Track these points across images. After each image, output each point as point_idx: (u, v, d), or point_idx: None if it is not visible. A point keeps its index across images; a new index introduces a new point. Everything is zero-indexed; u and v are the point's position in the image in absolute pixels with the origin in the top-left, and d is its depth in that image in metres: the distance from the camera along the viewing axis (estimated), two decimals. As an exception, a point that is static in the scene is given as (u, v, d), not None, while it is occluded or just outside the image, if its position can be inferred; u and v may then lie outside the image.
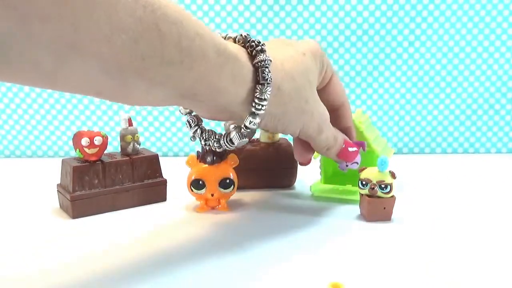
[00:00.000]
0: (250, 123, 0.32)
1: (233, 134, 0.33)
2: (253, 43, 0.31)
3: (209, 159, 0.41)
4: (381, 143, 0.48)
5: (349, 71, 0.66)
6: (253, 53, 0.31)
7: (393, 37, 0.65)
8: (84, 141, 0.40)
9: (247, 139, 0.33)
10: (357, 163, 0.41)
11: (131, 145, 0.44)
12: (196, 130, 0.34)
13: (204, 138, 0.34)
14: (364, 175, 0.39)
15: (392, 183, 0.38)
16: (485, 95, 0.66)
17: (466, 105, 0.66)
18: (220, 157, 0.41)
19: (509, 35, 0.64)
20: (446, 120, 0.67)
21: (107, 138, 0.41)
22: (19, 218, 0.41)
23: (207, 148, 0.36)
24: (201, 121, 0.35)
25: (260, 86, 0.31)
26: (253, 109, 0.31)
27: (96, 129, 0.42)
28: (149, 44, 0.24)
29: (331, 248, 0.34)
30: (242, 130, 0.32)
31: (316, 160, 0.48)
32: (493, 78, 0.65)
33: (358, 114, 0.46)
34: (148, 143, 0.69)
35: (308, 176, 0.50)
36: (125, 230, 0.38)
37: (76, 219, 0.40)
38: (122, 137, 0.44)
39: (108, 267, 0.31)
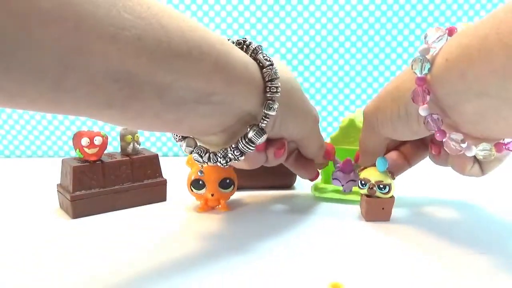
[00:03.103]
0: (270, 109, 0.31)
1: (251, 134, 0.31)
2: (240, 41, 0.32)
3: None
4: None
5: (349, 71, 0.67)
6: (244, 49, 0.31)
7: (393, 37, 0.65)
8: (84, 141, 0.40)
9: (266, 135, 0.32)
10: (354, 180, 0.43)
11: (131, 145, 0.44)
12: (209, 156, 0.34)
13: (221, 156, 0.33)
14: (363, 175, 0.39)
15: (391, 183, 0.38)
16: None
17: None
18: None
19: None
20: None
21: (107, 138, 0.41)
22: (19, 218, 0.41)
23: (228, 165, 0.34)
24: (208, 149, 0.34)
25: (266, 69, 0.31)
26: (268, 94, 0.31)
27: (96, 129, 0.42)
28: (154, 39, 0.24)
29: (331, 248, 0.34)
30: (261, 123, 0.31)
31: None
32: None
33: (358, 114, 0.46)
34: (148, 143, 0.69)
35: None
36: (125, 230, 0.38)
37: (76, 219, 0.40)
38: (122, 137, 0.44)
39: (108, 267, 0.31)
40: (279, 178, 0.49)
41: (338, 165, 0.44)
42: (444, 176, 0.53)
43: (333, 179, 0.44)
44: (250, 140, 0.31)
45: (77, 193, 0.40)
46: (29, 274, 0.30)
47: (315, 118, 0.38)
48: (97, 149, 0.41)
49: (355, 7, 0.64)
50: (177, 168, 0.46)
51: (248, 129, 0.31)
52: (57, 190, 0.43)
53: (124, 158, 0.43)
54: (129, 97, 0.24)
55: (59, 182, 0.43)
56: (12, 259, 0.32)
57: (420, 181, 0.52)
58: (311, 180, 0.44)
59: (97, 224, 0.39)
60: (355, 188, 0.44)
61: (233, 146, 0.32)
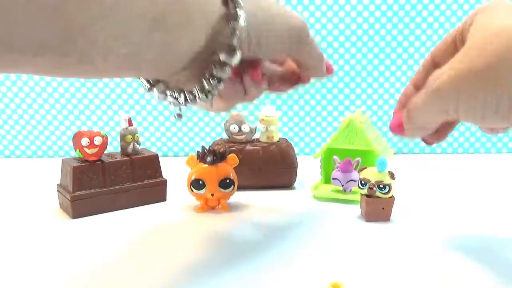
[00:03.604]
0: (236, 20, 0.26)
1: (223, 55, 0.27)
2: None
3: (209, 159, 0.41)
4: (381, 143, 0.48)
5: (349, 71, 0.66)
6: None
7: (393, 37, 0.65)
8: (84, 141, 0.40)
9: (239, 52, 0.27)
10: (354, 180, 0.43)
11: (131, 145, 0.44)
12: (185, 96, 0.29)
13: (197, 91, 0.28)
14: (363, 175, 0.39)
15: (391, 183, 0.38)
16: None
17: (466, 105, 0.66)
18: (220, 157, 0.41)
19: (509, 35, 0.64)
20: (446, 120, 0.67)
21: (107, 138, 0.41)
22: (19, 218, 0.41)
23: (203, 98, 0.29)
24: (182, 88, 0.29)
25: None
26: (231, 4, 0.26)
27: (96, 129, 0.42)
28: None
29: (331, 248, 0.34)
30: (230, 40, 0.27)
31: (316, 160, 0.48)
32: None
33: (358, 114, 0.46)
34: (148, 143, 0.69)
35: (308, 176, 0.50)
36: (125, 230, 0.38)
37: (76, 219, 0.40)
38: (122, 137, 0.44)
39: (108, 267, 0.31)
40: (279, 178, 0.49)
41: (338, 165, 0.44)
42: (444, 176, 0.54)
43: (333, 179, 0.44)
44: (224, 63, 0.27)
45: (77, 193, 0.40)
46: (29, 274, 0.30)
47: (302, 25, 0.31)
48: (97, 149, 0.41)
49: (355, 7, 0.64)
50: (177, 168, 0.46)
51: (219, 52, 0.27)
52: (57, 190, 0.43)
53: (124, 158, 0.43)
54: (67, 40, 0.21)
55: (59, 182, 0.43)
56: (12, 259, 0.33)
57: (420, 181, 0.52)
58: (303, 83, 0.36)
59: (97, 224, 0.39)
60: (355, 188, 0.44)
61: (207, 75, 0.28)
